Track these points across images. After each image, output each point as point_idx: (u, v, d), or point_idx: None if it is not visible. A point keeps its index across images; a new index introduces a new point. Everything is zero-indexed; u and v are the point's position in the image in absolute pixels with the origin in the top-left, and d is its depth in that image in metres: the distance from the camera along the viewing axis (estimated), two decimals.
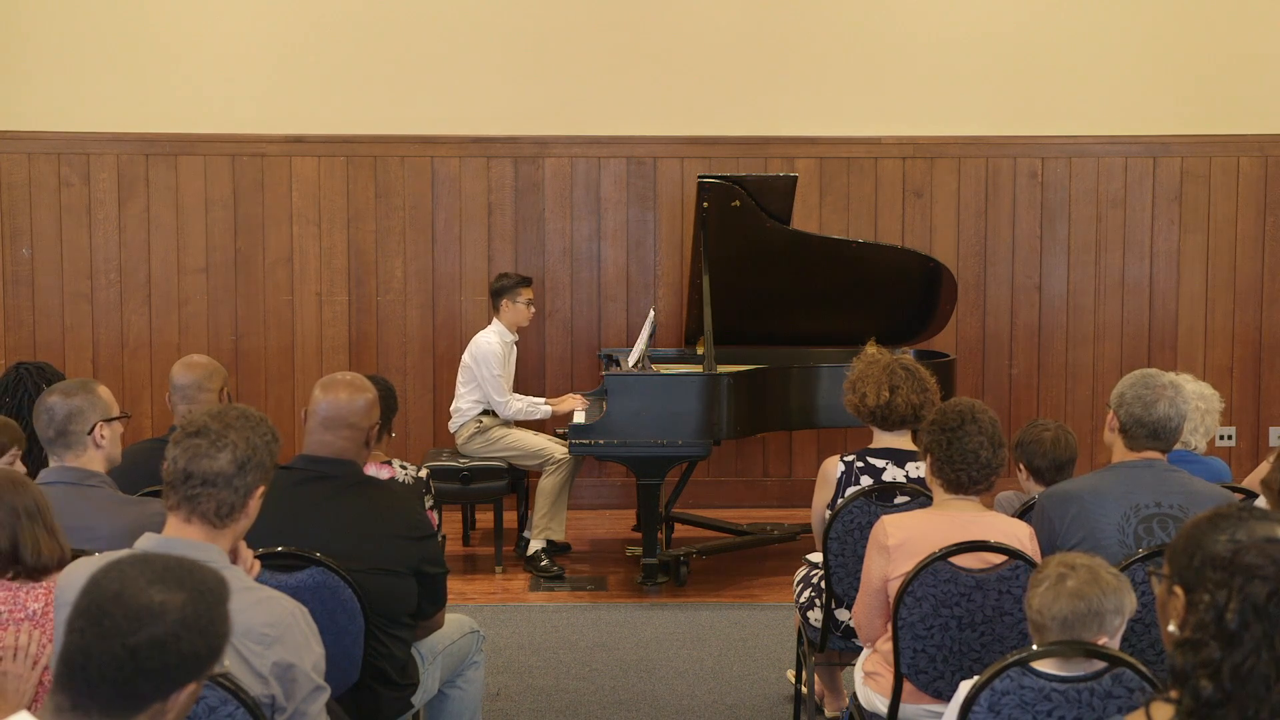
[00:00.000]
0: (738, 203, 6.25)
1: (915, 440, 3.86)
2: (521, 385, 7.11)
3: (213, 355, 5.41)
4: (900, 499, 4.00)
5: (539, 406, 6.59)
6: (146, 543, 2.65)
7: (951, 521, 3.41)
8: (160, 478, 2.75)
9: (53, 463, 3.53)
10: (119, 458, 3.63)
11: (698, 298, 6.41)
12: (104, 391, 3.61)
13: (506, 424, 6.60)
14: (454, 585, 4.91)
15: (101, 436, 3.53)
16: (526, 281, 6.75)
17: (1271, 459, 3.44)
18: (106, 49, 7.50)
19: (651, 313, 6.78)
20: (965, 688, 2.75)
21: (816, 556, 4.33)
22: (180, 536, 2.67)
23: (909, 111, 7.68)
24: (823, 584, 4.14)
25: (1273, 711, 1.89)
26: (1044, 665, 2.69)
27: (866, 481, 4.09)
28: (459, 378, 6.68)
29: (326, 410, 3.48)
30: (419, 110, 7.59)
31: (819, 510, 4.23)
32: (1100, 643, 2.70)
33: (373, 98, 7.58)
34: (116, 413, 3.61)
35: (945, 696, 3.24)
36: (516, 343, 6.79)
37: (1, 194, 7.52)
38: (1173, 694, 1.99)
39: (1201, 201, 7.76)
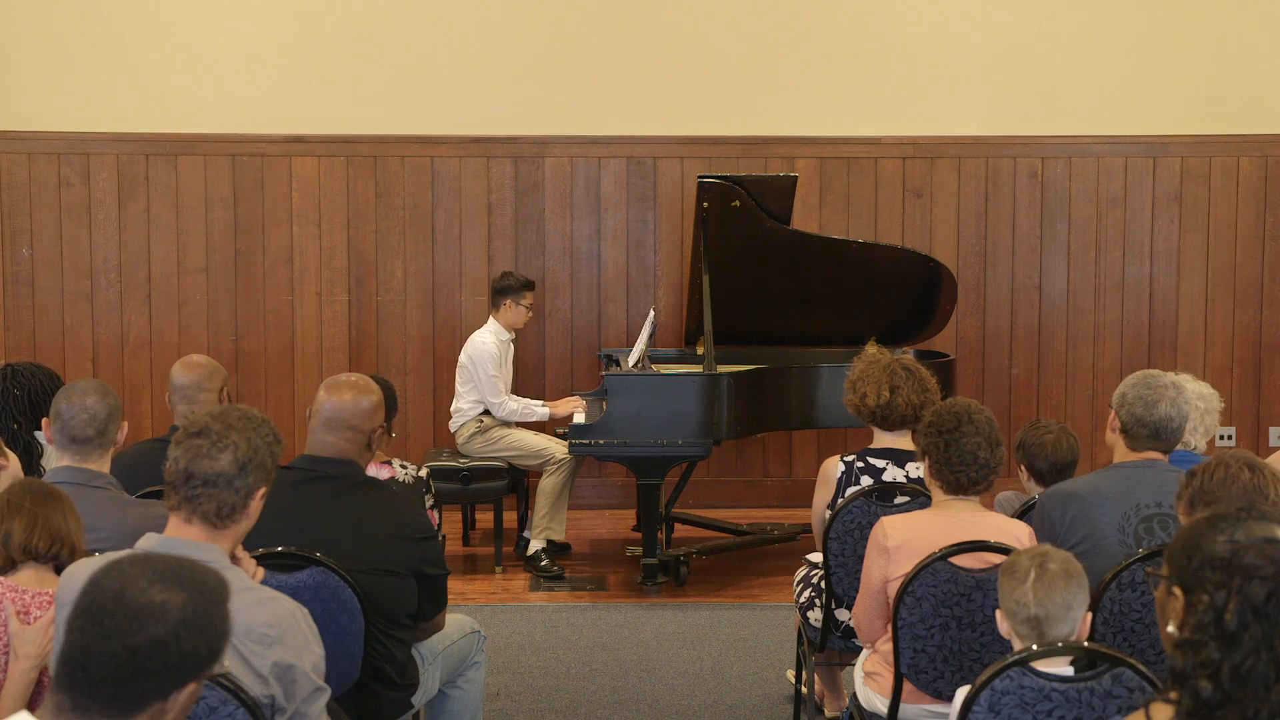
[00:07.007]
0: (738, 203, 6.25)
1: (914, 441, 3.87)
2: (521, 385, 7.11)
3: (213, 355, 5.41)
4: (900, 499, 4.01)
5: (534, 409, 6.57)
6: (147, 542, 2.66)
7: (951, 522, 3.42)
8: (160, 477, 2.76)
9: (63, 460, 3.52)
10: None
11: (698, 298, 6.41)
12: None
13: (506, 424, 6.60)
14: (454, 585, 4.90)
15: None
16: (531, 285, 6.74)
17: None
18: (107, 49, 7.50)
19: (651, 313, 6.78)
20: (962, 694, 2.76)
21: (816, 556, 4.34)
22: (181, 537, 2.68)
23: (909, 111, 7.68)
24: (823, 584, 4.14)
25: (1272, 712, 1.90)
26: (1038, 664, 2.70)
27: (867, 481, 4.09)
28: (458, 378, 6.67)
29: (330, 411, 3.48)
30: (419, 110, 7.58)
31: (819, 510, 4.24)
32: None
33: (373, 98, 7.58)
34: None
35: (945, 696, 3.24)
36: (514, 341, 6.79)
37: (1, 194, 7.52)
38: (1172, 694, 1.99)
39: (1201, 201, 7.76)
